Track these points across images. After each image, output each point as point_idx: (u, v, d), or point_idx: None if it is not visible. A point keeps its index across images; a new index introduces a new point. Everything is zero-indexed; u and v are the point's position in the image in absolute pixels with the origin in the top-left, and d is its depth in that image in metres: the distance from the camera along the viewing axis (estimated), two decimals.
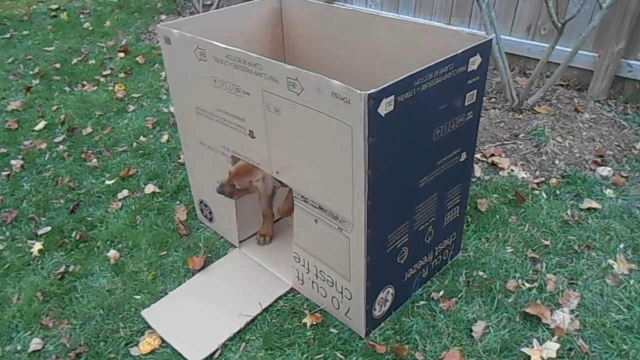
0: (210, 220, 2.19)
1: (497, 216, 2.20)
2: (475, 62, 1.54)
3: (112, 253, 2.08)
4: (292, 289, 1.89)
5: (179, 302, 1.87)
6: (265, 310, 1.81)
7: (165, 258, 2.07)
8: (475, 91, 1.62)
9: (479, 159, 2.59)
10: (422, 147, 1.53)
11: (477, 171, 2.49)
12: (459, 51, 1.46)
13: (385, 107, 1.30)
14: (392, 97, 1.31)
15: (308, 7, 2.09)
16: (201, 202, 2.19)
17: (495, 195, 2.33)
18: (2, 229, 2.28)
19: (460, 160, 1.73)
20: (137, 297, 1.91)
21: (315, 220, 1.63)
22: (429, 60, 1.39)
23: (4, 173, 2.65)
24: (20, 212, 2.37)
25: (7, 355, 1.72)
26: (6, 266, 2.07)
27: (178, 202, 2.37)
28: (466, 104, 1.61)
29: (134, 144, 2.87)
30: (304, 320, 1.76)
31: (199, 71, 1.75)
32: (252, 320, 1.77)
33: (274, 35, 2.22)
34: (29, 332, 1.79)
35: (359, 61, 2.01)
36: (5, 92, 3.53)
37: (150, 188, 2.47)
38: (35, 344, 1.75)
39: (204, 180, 2.11)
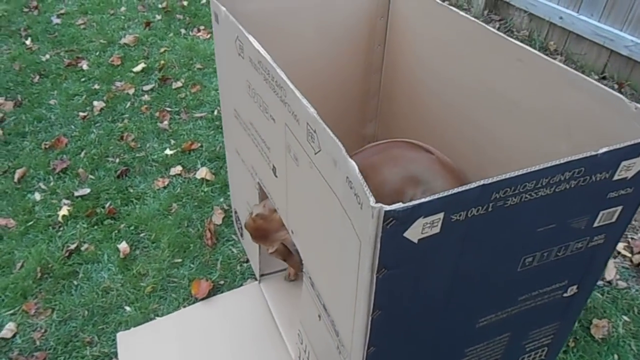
0: (242, 235, 1.82)
1: (616, 355, 1.50)
2: (631, 167, 0.89)
3: (124, 246, 1.83)
4: None
5: (159, 335, 1.56)
6: None
7: (177, 268, 1.76)
8: (619, 209, 0.97)
9: (619, 252, 1.83)
10: (492, 279, 0.96)
11: (611, 271, 1.76)
12: (602, 150, 0.83)
13: (421, 229, 0.76)
14: (441, 216, 0.76)
15: (422, 3, 1.51)
16: (235, 212, 1.83)
17: (625, 318, 1.61)
18: (48, 177, 2.16)
19: (565, 295, 1.11)
20: (127, 308, 1.64)
21: (319, 316, 1.16)
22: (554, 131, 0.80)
23: (82, 114, 2.55)
24: (73, 163, 2.24)
25: None
26: (31, 223, 1.95)
27: (222, 200, 2.03)
28: (596, 224, 0.97)
29: (215, 111, 2.58)
30: None
31: (238, 69, 1.32)
32: None
33: (371, 31, 1.68)
34: (10, 312, 1.63)
35: (457, 98, 1.41)
36: (128, 22, 3.47)
37: (203, 172, 2.16)
38: (8, 329, 1.58)
39: (238, 191, 1.73)
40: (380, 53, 1.74)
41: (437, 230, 0.77)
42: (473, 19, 1.28)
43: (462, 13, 1.31)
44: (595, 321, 1.59)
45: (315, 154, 0.93)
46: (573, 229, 0.95)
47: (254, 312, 1.62)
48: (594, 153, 0.82)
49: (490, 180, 0.76)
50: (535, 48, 2.95)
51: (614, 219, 0.98)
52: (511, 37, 3.09)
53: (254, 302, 1.65)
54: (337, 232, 0.91)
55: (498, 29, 3.14)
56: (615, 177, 0.89)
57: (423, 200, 0.72)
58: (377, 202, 0.70)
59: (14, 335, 1.57)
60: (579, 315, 1.29)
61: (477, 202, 0.77)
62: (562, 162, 0.80)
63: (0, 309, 1.64)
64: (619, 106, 0.97)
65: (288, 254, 1.42)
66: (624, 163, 0.87)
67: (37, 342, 1.55)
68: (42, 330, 1.58)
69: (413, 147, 1.43)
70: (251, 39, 1.17)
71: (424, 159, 1.41)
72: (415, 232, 0.75)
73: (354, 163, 0.77)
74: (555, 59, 2.81)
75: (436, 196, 0.72)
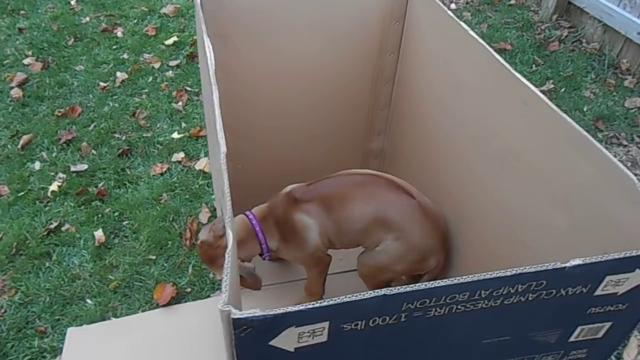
0: None
1: None
2: (622, 282, 0.66)
3: (99, 234, 1.76)
4: None
5: (109, 337, 1.47)
6: None
7: (149, 265, 1.67)
8: (606, 325, 0.74)
9: None
10: None
11: (632, 350, 1.49)
12: (573, 263, 0.61)
13: (297, 339, 0.58)
14: (325, 325, 0.58)
15: (438, 16, 1.26)
16: (219, 211, 1.70)
17: None
18: (52, 147, 2.13)
19: None
20: (89, 301, 1.57)
21: None
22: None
23: (102, 84, 2.50)
24: (79, 135, 2.19)
25: None
26: (22, 193, 1.92)
27: (214, 197, 1.91)
28: (574, 339, 0.75)
29: None
30: None
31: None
32: None
33: (384, 36, 1.46)
34: None
35: (459, 134, 1.19)
36: None
37: (203, 163, 2.05)
38: None
39: (216, 191, 1.59)
40: (393, 62, 1.52)
41: (323, 339, 0.59)
42: (481, 41, 1.04)
43: (471, 32, 1.07)
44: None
45: None
46: (538, 342, 0.74)
47: (213, 329, 1.50)
48: (560, 265, 0.61)
49: (396, 291, 0.56)
50: (604, 64, 2.58)
51: (599, 335, 0.76)
52: (579, 48, 2.73)
53: (215, 318, 1.52)
54: None
55: (566, 37, 2.77)
56: (598, 293, 0.67)
57: (294, 309, 0.54)
58: (226, 305, 0.53)
59: None
60: None
61: (381, 312, 0.59)
62: (510, 274, 0.59)
63: None
64: (629, 188, 0.73)
65: (240, 279, 1.28)
66: (609, 278, 0.65)
67: None
68: (2, 311, 1.55)
69: (393, 187, 1.23)
70: (207, 42, 1.01)
71: (403, 203, 1.21)
72: (287, 341, 0.58)
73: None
74: (624, 80, 2.44)
75: (316, 305, 0.55)
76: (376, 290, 0.56)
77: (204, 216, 1.83)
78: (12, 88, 2.44)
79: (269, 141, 1.62)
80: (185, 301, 1.58)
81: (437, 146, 1.36)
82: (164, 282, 1.61)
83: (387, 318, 0.59)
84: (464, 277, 0.58)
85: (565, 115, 0.84)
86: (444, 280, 0.57)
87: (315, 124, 1.62)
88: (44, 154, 2.10)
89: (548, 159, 0.90)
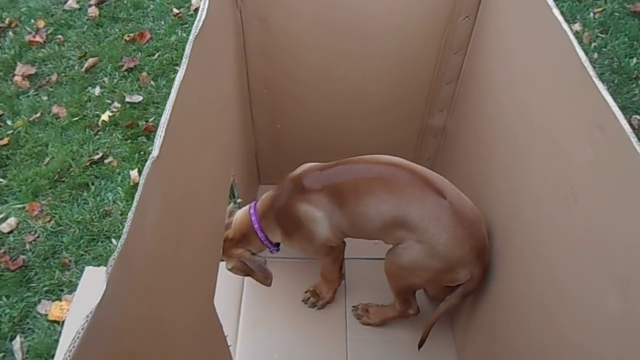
0: None
1: None
2: None
3: (134, 174, 1.72)
4: None
5: None
6: None
7: None
8: None
9: None
10: None
11: None
12: None
13: None
14: None
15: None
16: None
17: None
18: (114, 73, 2.10)
19: None
20: (114, 242, 1.57)
21: None
22: None
23: (176, 10, 2.40)
24: (142, 64, 2.14)
25: None
26: (76, 119, 1.93)
27: None
28: None
29: None
30: None
31: None
32: None
33: None
34: (18, 206, 1.66)
35: (513, 140, 0.93)
36: None
37: None
38: (7, 224, 1.62)
39: None
40: (468, 27, 1.24)
41: None
42: (573, 40, 0.76)
43: (564, 25, 0.78)
44: None
45: None
46: None
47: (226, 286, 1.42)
48: None
49: None
50: None
51: None
52: None
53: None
54: None
55: None
56: None
57: None
58: None
59: (10, 232, 1.60)
60: None
61: None
62: None
63: (12, 200, 1.68)
64: None
65: (249, 271, 1.17)
66: None
67: (26, 246, 1.57)
68: (35, 236, 1.59)
69: (421, 182, 1.01)
70: None
71: (430, 202, 0.99)
72: None
73: None
74: None
75: None
76: None
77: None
78: (90, 6, 2.43)
79: (313, 105, 1.43)
80: None
81: (495, 137, 1.10)
82: None
83: None
84: None
85: None
86: None
87: (369, 91, 1.41)
88: (105, 79, 2.08)
89: (613, 216, 0.64)
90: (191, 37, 0.77)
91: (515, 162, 0.99)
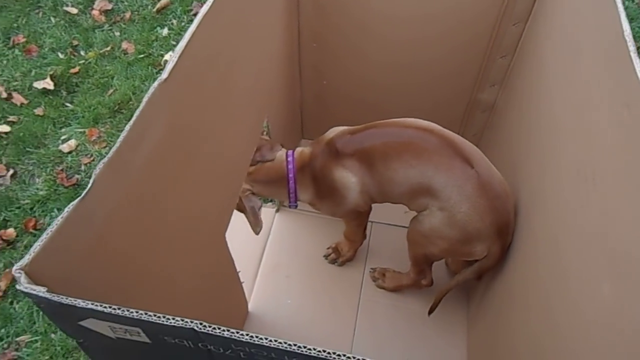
0: None
1: None
2: None
3: None
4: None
5: None
6: None
7: None
8: None
9: None
10: None
11: None
12: None
13: (108, 330, 0.48)
14: (139, 330, 0.46)
15: None
16: None
17: None
18: (182, 17, 2.17)
19: None
20: None
21: None
22: None
23: None
24: None
25: None
26: (142, 56, 2.02)
27: None
28: None
29: None
30: None
31: None
32: None
33: None
34: (79, 130, 1.79)
35: (555, 130, 0.87)
36: None
37: None
38: (68, 145, 1.74)
39: None
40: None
41: (144, 339, 0.49)
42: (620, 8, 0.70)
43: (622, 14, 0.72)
44: None
45: None
46: None
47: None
48: None
49: (204, 330, 0.42)
50: None
51: None
52: None
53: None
54: None
55: None
56: None
57: (87, 305, 0.43)
58: (19, 269, 0.45)
59: (69, 152, 1.73)
60: None
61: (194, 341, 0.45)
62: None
63: (75, 124, 1.81)
64: None
65: (241, 208, 1.18)
66: None
67: (82, 167, 1.69)
68: (90, 159, 1.71)
69: (449, 149, 0.98)
70: None
71: (455, 170, 0.97)
72: (99, 327, 0.48)
73: None
74: None
75: (110, 310, 0.43)
76: (187, 321, 0.42)
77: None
78: None
79: (362, 67, 1.42)
80: None
81: (537, 116, 1.05)
82: None
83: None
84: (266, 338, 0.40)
85: None
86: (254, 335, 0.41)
87: (421, 59, 1.37)
88: (174, 21, 2.16)
89: (628, 201, 0.60)
90: None
91: (549, 143, 0.94)
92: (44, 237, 0.48)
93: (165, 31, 2.12)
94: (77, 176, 1.66)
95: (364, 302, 1.35)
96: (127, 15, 2.18)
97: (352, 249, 1.39)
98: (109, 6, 2.22)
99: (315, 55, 1.42)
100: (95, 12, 2.19)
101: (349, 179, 1.07)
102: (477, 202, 0.97)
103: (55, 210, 1.58)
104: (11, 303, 1.40)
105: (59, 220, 0.49)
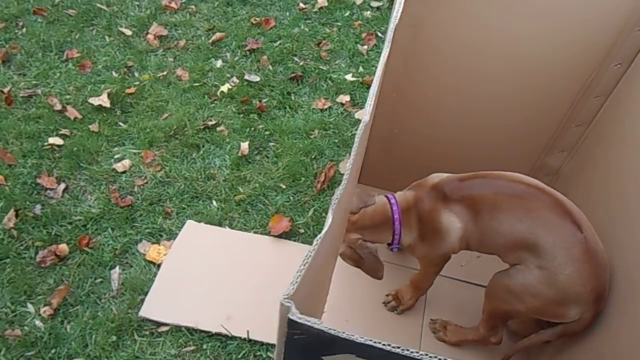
0: None
1: None
2: None
3: (244, 146, 1.80)
4: None
5: (220, 244, 1.53)
6: (250, 342, 1.33)
7: (275, 192, 1.69)
8: None
9: None
10: None
11: None
12: None
13: None
14: None
15: None
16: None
17: None
18: (236, 51, 2.22)
19: None
20: (214, 204, 1.65)
21: None
22: None
23: (302, 5, 2.51)
24: (263, 48, 2.25)
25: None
26: (197, 84, 2.04)
27: None
28: None
29: None
30: None
31: None
32: (227, 337, 1.33)
33: (615, 44, 1.18)
34: (134, 151, 1.78)
35: None
36: None
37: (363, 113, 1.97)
38: (122, 164, 1.73)
39: None
40: (618, 74, 1.24)
41: None
42: None
43: None
44: None
45: None
46: None
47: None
48: None
49: None
50: None
51: None
52: None
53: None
54: None
55: None
56: None
57: (358, 339, 0.44)
58: (288, 298, 0.45)
59: (124, 172, 1.71)
60: None
61: None
62: None
63: (129, 144, 1.80)
64: None
65: (358, 259, 1.20)
66: None
67: (135, 188, 1.67)
68: (144, 181, 1.69)
69: (560, 210, 1.02)
70: None
71: (565, 232, 1.00)
72: None
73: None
74: None
75: (379, 345, 0.44)
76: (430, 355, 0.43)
77: (344, 166, 1.78)
78: None
79: (435, 118, 1.47)
80: (296, 240, 1.57)
81: (625, 187, 1.10)
82: (283, 214, 1.61)
83: None
84: None
85: None
86: None
87: (492, 118, 1.43)
88: (228, 54, 2.20)
89: None
90: (392, 26, 0.83)
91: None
92: (302, 268, 0.48)
93: (219, 63, 2.15)
94: (129, 197, 1.64)
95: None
96: (182, 43, 2.22)
97: (414, 297, 1.39)
98: (164, 32, 2.25)
99: (392, 104, 1.47)
100: (150, 37, 2.22)
101: (455, 223, 1.09)
102: (582, 267, 1.00)
103: (109, 230, 1.54)
104: (62, 322, 1.35)
105: (310, 253, 0.50)
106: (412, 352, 0.44)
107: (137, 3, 2.42)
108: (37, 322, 1.34)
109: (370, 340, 0.44)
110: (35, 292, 1.40)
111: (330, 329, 0.44)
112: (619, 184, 1.16)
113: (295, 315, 0.45)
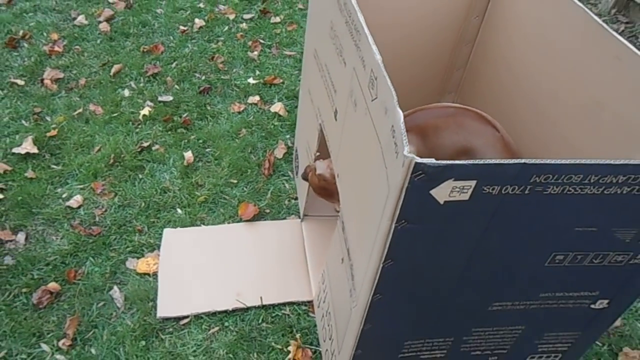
0: (296, 174, 1.88)
1: None
2: None
3: (189, 155, 1.95)
4: (311, 302, 1.54)
5: (200, 240, 1.68)
6: (264, 307, 1.51)
7: (231, 187, 1.87)
8: None
9: None
10: (515, 266, 0.94)
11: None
12: None
13: (449, 192, 0.76)
14: (472, 183, 0.75)
15: None
16: (296, 150, 1.88)
17: None
18: (139, 78, 2.32)
19: (593, 306, 1.07)
20: (179, 211, 1.77)
21: (342, 260, 1.21)
22: None
23: (182, 27, 2.68)
24: (163, 71, 2.38)
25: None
26: (115, 115, 2.12)
27: (288, 137, 2.10)
28: None
29: None
30: (289, 348, 1.42)
31: (325, 8, 1.34)
32: (244, 310, 1.50)
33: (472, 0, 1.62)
34: (80, 186, 1.82)
35: (539, 89, 1.34)
36: None
37: (278, 107, 2.23)
38: (75, 200, 1.76)
39: (301, 130, 1.77)
40: (477, 25, 1.68)
41: (465, 197, 0.77)
42: (579, 4, 1.20)
43: None
44: (626, 349, 1.51)
45: (372, 100, 0.94)
46: (616, 239, 0.91)
47: (289, 245, 1.69)
48: None
49: (533, 161, 0.74)
50: None
51: None
52: (635, 43, 2.84)
53: (292, 236, 1.72)
54: (373, 179, 0.93)
55: (622, 32, 2.88)
56: None
57: (457, 162, 0.72)
58: (410, 154, 0.71)
59: (79, 207, 1.75)
60: (605, 331, 1.24)
61: (514, 180, 0.76)
62: (618, 162, 0.76)
63: (72, 182, 1.83)
64: None
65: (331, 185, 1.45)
66: None
67: (97, 218, 1.72)
68: (103, 209, 1.75)
69: (481, 119, 1.39)
70: None
71: (488, 134, 1.37)
72: (442, 193, 0.76)
73: (401, 113, 0.78)
74: None
75: (472, 162, 0.72)
76: (524, 160, 0.73)
77: (279, 151, 2.02)
78: (100, 22, 2.63)
79: None
80: (264, 220, 1.77)
81: (513, 104, 1.52)
82: (247, 202, 1.80)
83: (516, 187, 0.77)
84: (580, 158, 0.75)
85: None
86: (564, 158, 0.74)
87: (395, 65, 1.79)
88: (132, 83, 2.29)
89: (634, 106, 1.06)
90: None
91: (534, 110, 1.41)
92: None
93: (127, 92, 2.24)
94: (95, 227, 1.69)
95: None
96: (82, 81, 2.25)
97: None
98: (60, 75, 2.26)
99: None
100: (47, 81, 2.21)
101: (410, 148, 1.41)
102: (505, 157, 1.38)
103: (91, 259, 1.59)
104: (84, 348, 1.39)
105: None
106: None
107: (15, 54, 2.37)
108: (58, 356, 1.36)
109: (464, 162, 0.71)
110: (44, 333, 1.41)
111: (441, 162, 0.71)
112: (498, 107, 1.59)
113: (419, 159, 0.71)
